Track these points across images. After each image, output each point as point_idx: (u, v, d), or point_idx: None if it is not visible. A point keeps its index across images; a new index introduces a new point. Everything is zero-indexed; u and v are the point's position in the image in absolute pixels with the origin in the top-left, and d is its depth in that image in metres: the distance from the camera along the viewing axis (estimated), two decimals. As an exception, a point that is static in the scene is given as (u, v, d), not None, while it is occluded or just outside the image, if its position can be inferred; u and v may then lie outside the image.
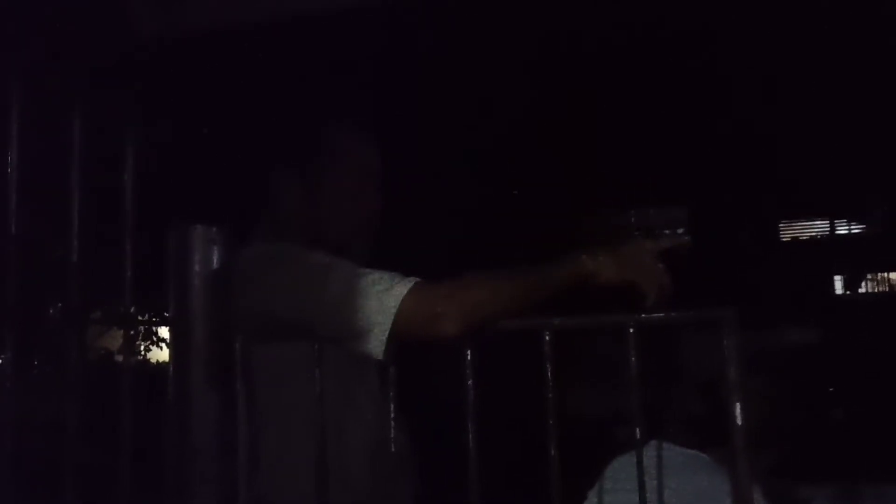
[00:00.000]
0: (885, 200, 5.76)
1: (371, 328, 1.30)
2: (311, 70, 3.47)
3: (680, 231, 5.52)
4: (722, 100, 4.03)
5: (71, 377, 0.91)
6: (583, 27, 3.44)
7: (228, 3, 2.43)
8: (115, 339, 5.82)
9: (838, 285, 6.55)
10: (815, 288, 6.14)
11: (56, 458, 0.88)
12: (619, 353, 0.99)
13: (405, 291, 1.31)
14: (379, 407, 1.45)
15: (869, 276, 6.63)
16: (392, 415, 1.06)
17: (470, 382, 1.01)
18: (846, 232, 6.55)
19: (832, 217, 6.44)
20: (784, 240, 6.61)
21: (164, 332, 6.36)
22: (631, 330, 0.97)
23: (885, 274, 6.68)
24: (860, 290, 6.53)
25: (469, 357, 1.04)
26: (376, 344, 1.30)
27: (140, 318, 4.41)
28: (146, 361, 7.45)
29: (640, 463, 0.98)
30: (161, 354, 7.34)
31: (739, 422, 0.90)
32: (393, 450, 1.16)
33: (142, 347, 7.53)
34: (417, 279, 1.34)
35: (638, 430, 0.99)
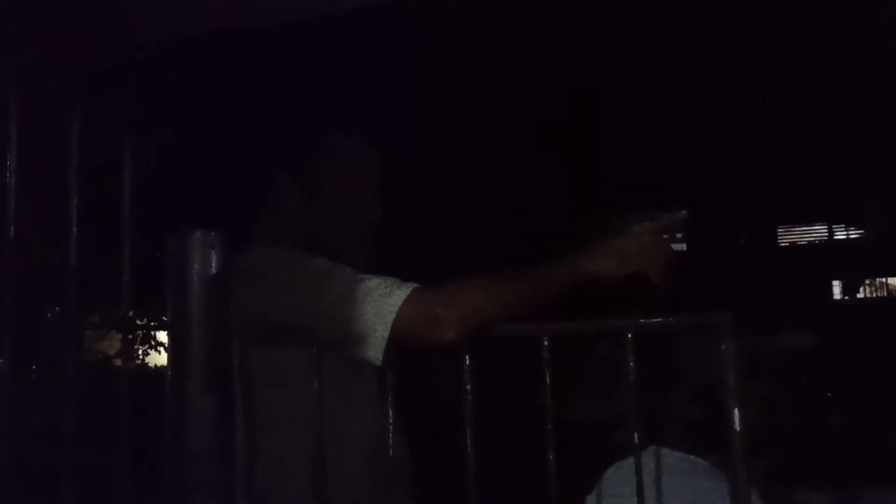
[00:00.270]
0: (883, 206, 5.77)
1: (369, 334, 1.30)
2: (311, 72, 3.47)
3: (678, 236, 5.53)
4: (721, 105, 4.05)
5: (69, 381, 0.91)
6: (583, 29, 3.44)
7: (229, 5, 2.43)
8: (113, 343, 5.81)
9: (836, 290, 6.56)
10: (813, 293, 6.15)
11: (54, 462, 0.88)
12: (617, 356, 0.99)
13: (404, 297, 1.31)
14: (377, 410, 1.44)
15: (867, 282, 6.65)
16: (390, 418, 1.06)
17: (468, 386, 1.01)
18: (844, 237, 6.56)
19: (830, 222, 6.46)
20: (782, 245, 6.62)
21: (162, 336, 6.36)
22: (629, 335, 0.97)
23: (883, 279, 6.70)
24: (858, 295, 6.55)
25: (467, 361, 1.04)
26: (375, 349, 1.30)
27: (138, 321, 4.41)
28: (144, 365, 7.45)
29: (638, 468, 0.98)
30: (160, 359, 7.35)
31: (737, 427, 0.89)
32: (391, 453, 1.16)
33: (140, 351, 7.52)
34: (416, 285, 1.34)
35: (636, 434, 0.99)
